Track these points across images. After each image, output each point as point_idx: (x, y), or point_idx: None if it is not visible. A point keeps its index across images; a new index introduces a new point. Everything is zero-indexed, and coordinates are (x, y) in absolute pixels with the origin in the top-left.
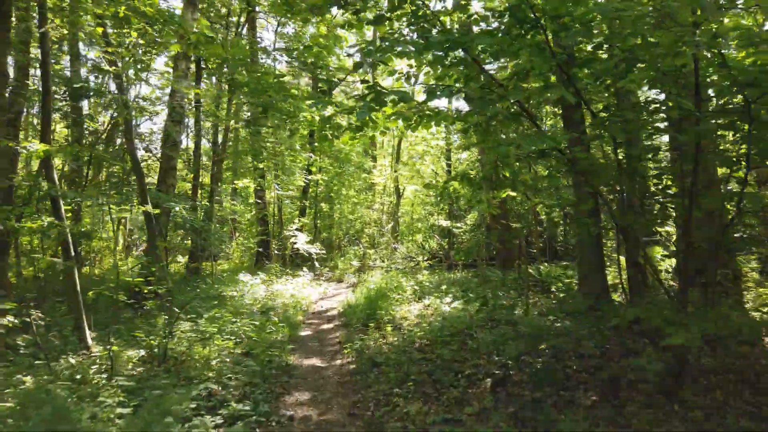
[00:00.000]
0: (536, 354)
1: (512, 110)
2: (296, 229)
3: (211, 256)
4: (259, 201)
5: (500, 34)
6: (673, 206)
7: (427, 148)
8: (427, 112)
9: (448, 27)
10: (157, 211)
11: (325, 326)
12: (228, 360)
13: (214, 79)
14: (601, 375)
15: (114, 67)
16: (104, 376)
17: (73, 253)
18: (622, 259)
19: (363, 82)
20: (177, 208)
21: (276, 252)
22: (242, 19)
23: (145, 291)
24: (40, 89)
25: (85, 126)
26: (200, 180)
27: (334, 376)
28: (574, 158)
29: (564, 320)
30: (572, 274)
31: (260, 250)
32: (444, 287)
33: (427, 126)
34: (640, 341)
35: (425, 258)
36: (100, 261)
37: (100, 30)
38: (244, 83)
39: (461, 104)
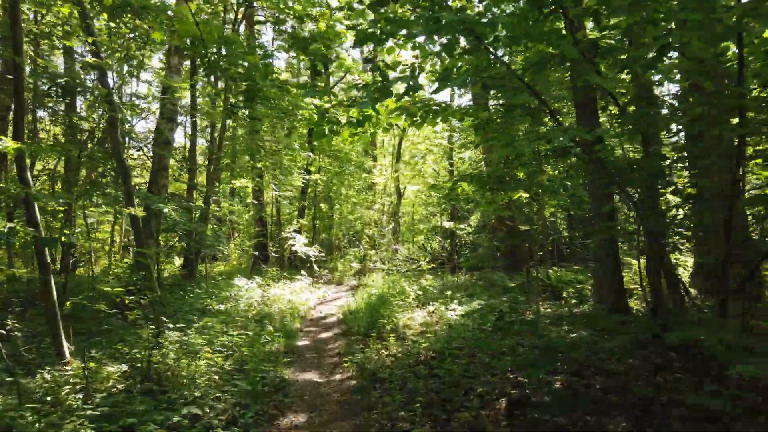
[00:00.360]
0: (554, 370)
1: (531, 104)
2: (294, 231)
3: (206, 258)
4: (256, 201)
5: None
6: (700, 210)
7: (429, 146)
8: (434, 107)
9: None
10: (143, 213)
11: (324, 335)
12: (217, 377)
13: (212, 79)
14: (630, 397)
15: (95, 59)
16: (80, 396)
17: (48, 260)
18: (627, 263)
19: (366, 61)
20: (165, 210)
21: (273, 254)
22: (239, 15)
23: (127, 302)
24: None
25: (80, 125)
26: (196, 180)
27: (333, 394)
28: (597, 157)
29: (579, 330)
30: (584, 279)
31: (256, 253)
32: (449, 292)
33: (433, 122)
34: (667, 355)
35: (427, 260)
36: (95, 261)
37: (66, 11)
38: (220, 57)
39: (465, 101)
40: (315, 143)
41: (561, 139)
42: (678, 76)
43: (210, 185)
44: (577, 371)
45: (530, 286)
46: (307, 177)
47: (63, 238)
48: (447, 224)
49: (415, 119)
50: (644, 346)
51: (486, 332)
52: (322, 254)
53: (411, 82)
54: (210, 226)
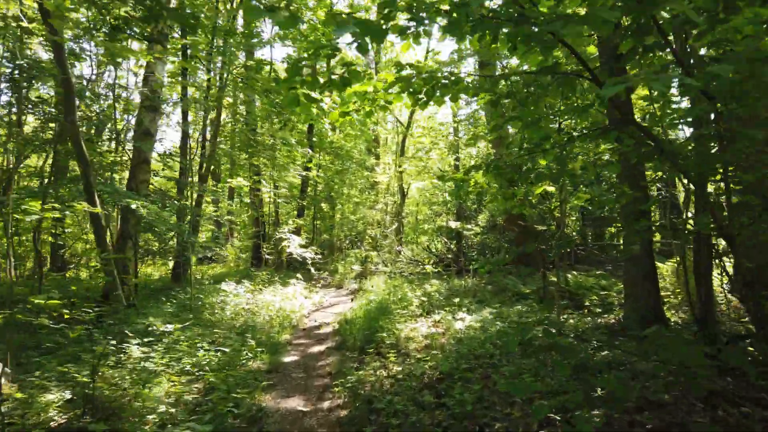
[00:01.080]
0: (589, 400)
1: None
2: (290, 231)
3: (190, 262)
4: (253, 200)
5: None
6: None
7: (434, 139)
8: (442, 81)
9: None
10: (99, 210)
11: (316, 348)
12: (175, 409)
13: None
14: None
15: (49, 33)
16: None
17: None
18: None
19: None
20: (134, 206)
21: (267, 256)
22: (234, 5)
23: (67, 316)
24: None
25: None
26: (191, 178)
27: (319, 429)
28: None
29: (611, 345)
30: (607, 284)
31: (248, 254)
32: (457, 300)
33: (439, 101)
34: (721, 380)
35: (432, 262)
36: (86, 263)
37: None
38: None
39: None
40: (315, 139)
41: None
42: None
43: (202, 183)
44: (613, 400)
45: (547, 292)
46: (304, 173)
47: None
48: (453, 224)
49: (419, 97)
50: (686, 370)
51: (501, 349)
52: (319, 256)
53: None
54: (208, 227)
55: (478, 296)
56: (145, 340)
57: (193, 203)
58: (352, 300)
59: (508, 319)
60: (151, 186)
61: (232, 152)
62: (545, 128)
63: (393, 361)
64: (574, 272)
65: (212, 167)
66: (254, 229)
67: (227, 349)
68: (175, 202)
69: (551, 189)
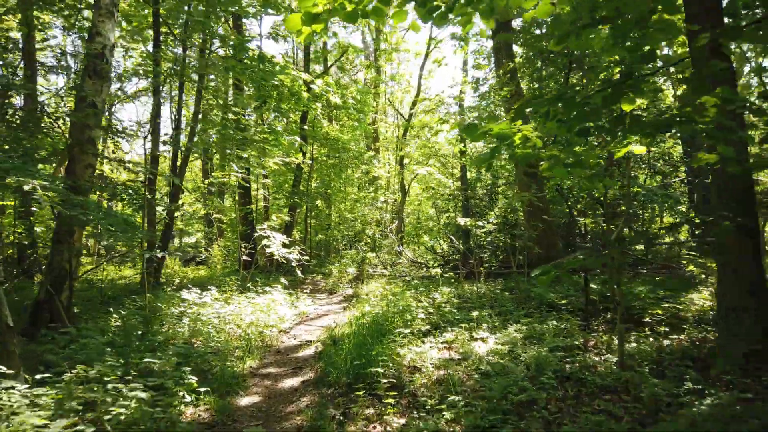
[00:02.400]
0: None
1: None
2: (273, 228)
3: (160, 262)
4: (242, 194)
5: None
6: None
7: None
8: None
9: None
10: None
11: (288, 383)
12: None
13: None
14: None
15: None
16: None
17: None
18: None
19: None
20: (28, 187)
21: (244, 257)
22: None
23: None
24: None
25: None
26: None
27: None
28: None
29: (707, 386)
30: (664, 294)
31: (235, 255)
32: (475, 313)
33: (465, 13)
34: None
35: (436, 264)
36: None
37: None
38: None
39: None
40: (306, 127)
41: None
42: None
43: (179, 175)
44: None
45: (589, 303)
46: (288, 159)
47: None
48: (462, 221)
49: (435, 5)
50: None
51: (548, 388)
52: (306, 257)
53: None
54: (198, 227)
55: (497, 306)
56: (42, 376)
57: (168, 197)
58: (345, 309)
59: (544, 340)
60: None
61: (222, 143)
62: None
63: (392, 411)
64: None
65: (205, 163)
66: (240, 227)
67: (144, 396)
68: (132, 193)
69: (641, 150)
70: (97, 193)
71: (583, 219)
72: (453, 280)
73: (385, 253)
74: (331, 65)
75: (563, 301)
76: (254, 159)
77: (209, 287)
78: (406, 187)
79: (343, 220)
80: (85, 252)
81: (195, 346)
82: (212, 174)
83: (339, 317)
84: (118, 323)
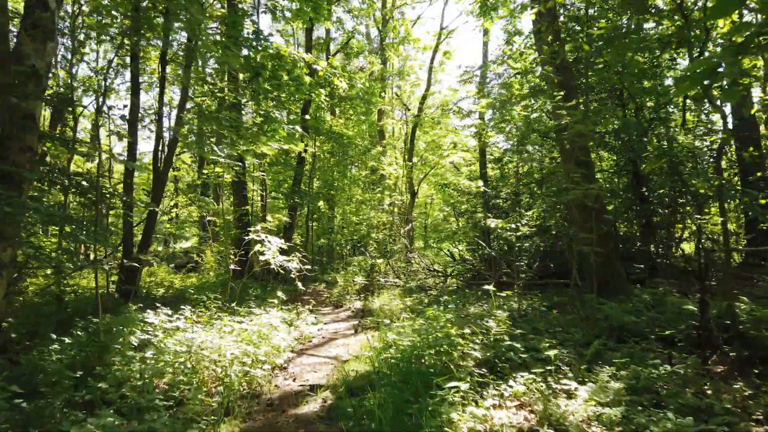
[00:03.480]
0: None
1: None
2: (267, 231)
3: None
4: (237, 192)
5: None
6: None
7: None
8: None
9: None
10: None
11: None
12: None
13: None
14: None
15: None
16: None
17: None
18: None
19: None
20: None
21: (234, 267)
22: None
23: None
24: None
25: None
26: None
27: None
28: None
29: None
30: None
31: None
32: (552, 352)
33: None
34: None
35: (455, 272)
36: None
37: None
38: None
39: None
40: (308, 117)
41: None
42: None
43: (157, 165)
44: None
45: (705, 331)
46: (286, 146)
47: None
48: (493, 222)
49: None
50: None
51: None
52: (308, 266)
53: None
54: (194, 230)
55: (559, 333)
56: None
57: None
58: (355, 331)
59: (659, 392)
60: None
61: (207, 124)
62: None
63: None
64: (743, 298)
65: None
66: (234, 230)
67: None
68: (87, 185)
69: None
70: (41, 184)
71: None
72: (475, 290)
73: (396, 260)
74: (336, 52)
75: (647, 327)
76: (246, 143)
77: (184, 306)
78: (415, 188)
79: (348, 223)
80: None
81: (157, 390)
82: (203, 171)
83: (351, 343)
84: (62, 354)
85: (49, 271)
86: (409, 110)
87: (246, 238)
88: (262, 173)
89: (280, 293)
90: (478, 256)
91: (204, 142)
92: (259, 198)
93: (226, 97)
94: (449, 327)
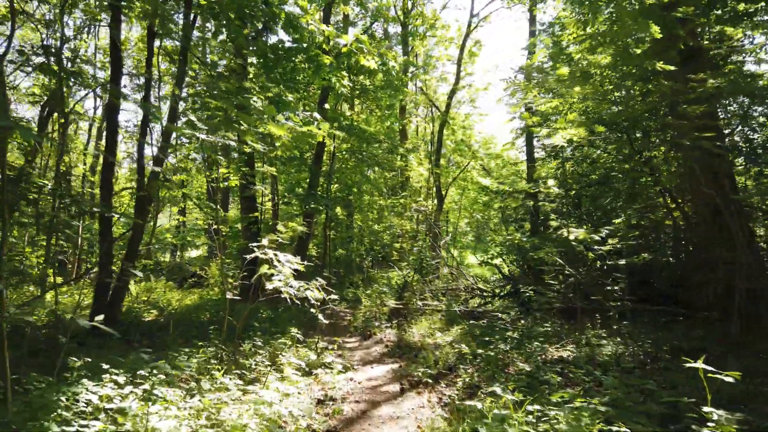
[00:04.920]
0: None
1: None
2: (276, 244)
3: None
4: (246, 196)
5: None
6: None
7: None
8: None
9: None
10: None
11: None
12: None
13: None
14: None
15: None
16: None
17: None
18: None
19: None
20: None
21: (230, 294)
22: None
23: None
24: None
25: None
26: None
27: None
28: None
29: None
30: None
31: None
32: None
33: None
34: None
35: (502, 292)
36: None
37: None
38: None
39: None
40: (327, 107)
41: None
42: None
43: (141, 158)
44: None
45: None
46: (302, 128)
47: None
48: (575, 232)
49: None
50: None
51: None
52: (333, 295)
53: None
54: (202, 239)
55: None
56: None
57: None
58: (401, 389)
59: None
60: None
61: (207, 98)
62: None
63: None
64: None
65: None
66: (241, 240)
67: None
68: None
69: None
70: None
71: None
72: (555, 323)
73: (435, 277)
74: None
75: None
76: (248, 120)
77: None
78: (443, 192)
79: (369, 231)
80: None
81: None
82: (207, 174)
83: (403, 413)
84: None
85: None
86: (435, 107)
87: (249, 255)
88: (273, 171)
89: (294, 330)
90: (555, 275)
91: (198, 128)
92: (270, 204)
93: (230, 75)
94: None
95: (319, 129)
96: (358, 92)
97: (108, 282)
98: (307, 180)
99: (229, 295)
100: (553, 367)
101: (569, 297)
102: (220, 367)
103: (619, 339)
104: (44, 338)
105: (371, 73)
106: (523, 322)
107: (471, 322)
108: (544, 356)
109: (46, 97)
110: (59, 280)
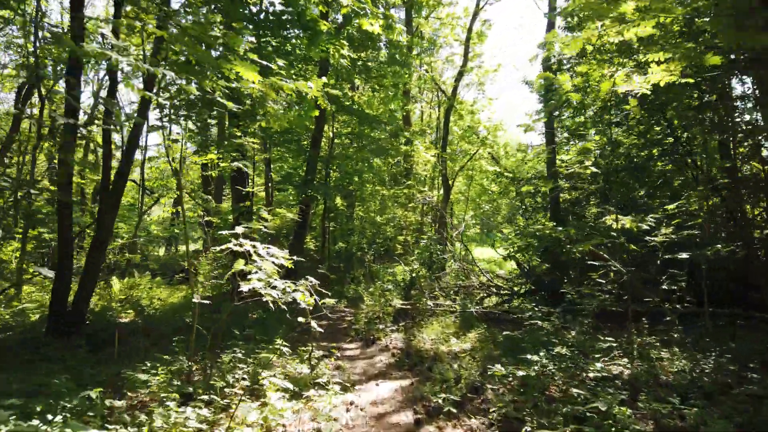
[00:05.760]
0: None
1: None
2: (252, 233)
3: None
4: (235, 177)
5: None
6: None
7: None
8: None
9: None
10: None
11: None
12: None
13: None
14: None
15: None
16: None
17: None
18: None
19: None
20: None
21: (197, 291)
22: None
23: None
24: None
25: None
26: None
27: None
28: None
29: None
30: None
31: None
32: None
33: None
34: None
35: (522, 289)
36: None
37: None
38: None
39: None
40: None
41: None
42: None
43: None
44: None
45: None
46: (293, 83)
47: None
48: (623, 219)
49: None
50: None
51: None
52: (330, 299)
53: None
54: (197, 234)
55: None
56: None
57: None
58: (417, 421)
59: None
60: None
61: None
62: None
63: None
64: None
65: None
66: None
67: None
68: None
69: None
70: None
71: None
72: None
73: (445, 273)
74: None
75: None
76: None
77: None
78: (450, 181)
79: (371, 223)
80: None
81: None
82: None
83: None
84: None
85: None
86: (441, 91)
87: (222, 246)
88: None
89: (279, 343)
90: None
91: (118, 49)
92: (264, 194)
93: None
94: None
95: (311, 87)
96: (359, 69)
97: (67, 280)
98: (305, 168)
99: (197, 299)
100: (607, 388)
101: (624, 299)
102: (185, 388)
103: (677, 349)
104: None
105: (373, 41)
106: (571, 332)
107: (487, 324)
108: (591, 373)
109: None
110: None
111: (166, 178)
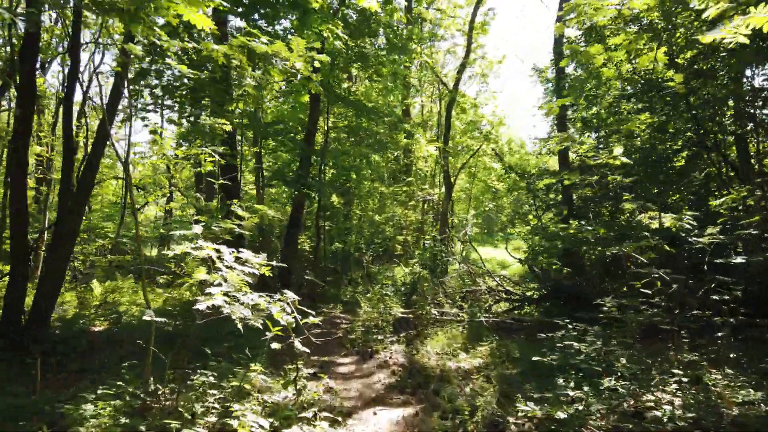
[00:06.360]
0: None
1: None
2: (225, 235)
3: None
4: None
5: None
6: None
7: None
8: None
9: None
10: None
11: None
12: None
13: None
14: None
15: None
16: None
17: None
18: None
19: None
20: None
21: (149, 307)
22: None
23: None
24: None
25: None
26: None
27: None
28: None
29: None
30: None
31: None
32: None
33: None
34: None
35: (536, 294)
36: None
37: None
38: None
39: None
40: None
41: None
42: None
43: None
44: None
45: None
46: (264, 44)
47: None
48: (665, 217)
49: None
50: None
51: None
52: (316, 318)
53: None
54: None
55: None
56: None
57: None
58: None
59: None
60: None
61: None
62: None
63: None
64: None
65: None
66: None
67: None
68: None
69: None
70: None
71: None
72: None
73: (449, 276)
74: None
75: None
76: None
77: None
78: (452, 178)
79: (370, 222)
80: None
81: None
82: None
83: None
84: None
85: None
86: (443, 83)
87: (177, 250)
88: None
89: (256, 368)
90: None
91: None
92: (255, 192)
93: None
94: None
95: (291, 50)
96: (356, 56)
97: (21, 286)
98: (297, 164)
99: (148, 317)
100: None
101: (674, 313)
102: (136, 426)
103: (731, 372)
104: None
105: (371, 28)
106: (620, 358)
107: (498, 335)
108: (633, 404)
109: None
110: None
111: (157, 175)
